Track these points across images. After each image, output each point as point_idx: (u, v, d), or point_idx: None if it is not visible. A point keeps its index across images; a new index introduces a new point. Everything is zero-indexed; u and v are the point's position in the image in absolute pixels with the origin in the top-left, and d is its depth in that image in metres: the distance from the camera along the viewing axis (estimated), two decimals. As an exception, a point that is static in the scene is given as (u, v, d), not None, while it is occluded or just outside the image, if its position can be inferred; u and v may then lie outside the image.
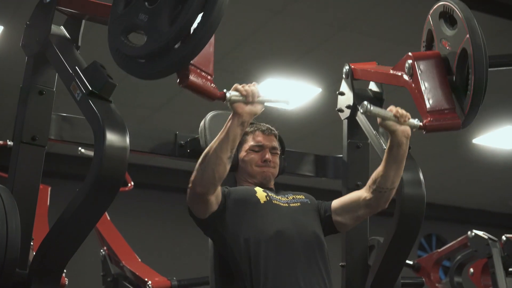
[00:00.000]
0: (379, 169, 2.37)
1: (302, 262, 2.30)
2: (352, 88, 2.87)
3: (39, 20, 2.30)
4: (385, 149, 2.52)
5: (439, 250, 4.67)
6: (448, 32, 2.38)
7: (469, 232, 4.18)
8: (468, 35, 2.23)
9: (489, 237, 4.04)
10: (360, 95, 2.87)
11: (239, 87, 2.13)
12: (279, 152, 2.56)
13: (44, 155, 2.29)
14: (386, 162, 2.35)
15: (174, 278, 3.89)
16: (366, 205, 2.40)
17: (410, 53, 2.38)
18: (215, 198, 2.28)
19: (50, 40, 2.23)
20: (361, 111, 2.24)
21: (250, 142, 2.52)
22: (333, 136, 4.85)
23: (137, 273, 3.98)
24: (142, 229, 8.14)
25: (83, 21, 2.38)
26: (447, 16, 2.40)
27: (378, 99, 2.87)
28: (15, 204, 2.10)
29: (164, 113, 6.87)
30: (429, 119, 2.29)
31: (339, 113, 2.95)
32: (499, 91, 5.75)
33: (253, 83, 2.18)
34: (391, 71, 2.53)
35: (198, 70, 2.02)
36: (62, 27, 2.34)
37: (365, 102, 2.23)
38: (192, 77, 1.99)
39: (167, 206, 8.35)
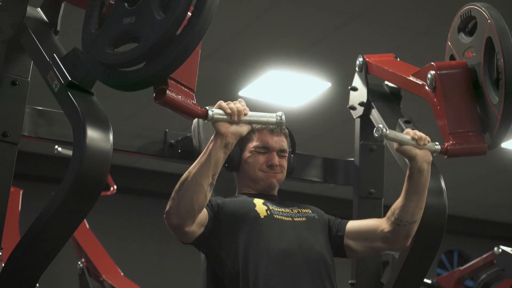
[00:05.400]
0: (399, 199, 2.37)
1: (306, 283, 2.29)
2: (366, 83, 2.88)
3: (13, 1, 2.30)
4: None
5: (461, 268, 4.69)
6: (469, 39, 2.39)
7: (495, 248, 4.19)
8: (489, 21, 2.24)
9: (518, 254, 4.06)
10: (374, 91, 2.87)
11: (224, 104, 2.13)
12: (287, 155, 2.55)
13: (16, 154, 2.29)
14: (406, 192, 2.35)
15: (161, 295, 3.90)
16: (383, 237, 2.39)
17: (433, 63, 2.38)
18: (197, 224, 2.25)
19: (26, 24, 2.23)
20: (376, 135, 2.25)
21: (255, 142, 2.49)
22: (343, 137, 4.86)
23: (119, 289, 3.99)
24: (125, 239, 8.15)
25: (63, 3, 2.38)
26: (466, 28, 2.42)
27: (395, 96, 2.87)
28: (-18, 209, 2.10)
29: (152, 109, 6.86)
30: (451, 142, 2.30)
31: (351, 110, 2.96)
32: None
33: (239, 100, 2.18)
34: (411, 78, 2.52)
35: (178, 85, 2.00)
36: (39, 9, 2.34)
37: (381, 125, 2.25)
38: (170, 93, 1.96)
39: (154, 213, 8.28)
